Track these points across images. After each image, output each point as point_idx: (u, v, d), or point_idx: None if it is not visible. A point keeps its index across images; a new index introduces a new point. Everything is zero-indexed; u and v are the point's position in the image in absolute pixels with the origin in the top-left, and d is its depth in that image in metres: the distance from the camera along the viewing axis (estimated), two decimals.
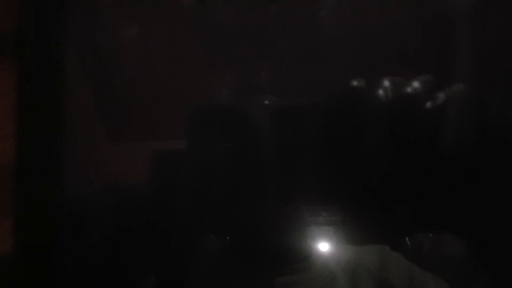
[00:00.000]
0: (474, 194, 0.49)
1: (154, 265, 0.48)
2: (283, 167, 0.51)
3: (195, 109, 0.49)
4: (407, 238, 0.48)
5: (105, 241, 0.49)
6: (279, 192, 0.51)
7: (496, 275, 0.50)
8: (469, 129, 0.47)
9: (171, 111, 0.50)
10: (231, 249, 0.50)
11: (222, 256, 0.50)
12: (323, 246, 0.53)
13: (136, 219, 0.49)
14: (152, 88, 0.51)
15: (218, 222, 0.50)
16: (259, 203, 0.51)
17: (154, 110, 0.51)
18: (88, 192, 0.49)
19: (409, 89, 0.51)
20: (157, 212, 0.49)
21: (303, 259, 0.53)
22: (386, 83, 0.50)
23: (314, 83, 0.50)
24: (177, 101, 0.51)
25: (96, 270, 0.48)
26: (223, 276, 0.49)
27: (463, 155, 0.49)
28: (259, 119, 0.50)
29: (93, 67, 0.52)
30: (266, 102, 0.50)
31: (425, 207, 0.49)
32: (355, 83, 0.48)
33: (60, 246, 0.48)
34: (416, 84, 0.50)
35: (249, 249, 0.51)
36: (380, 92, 0.49)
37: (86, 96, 0.52)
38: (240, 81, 0.51)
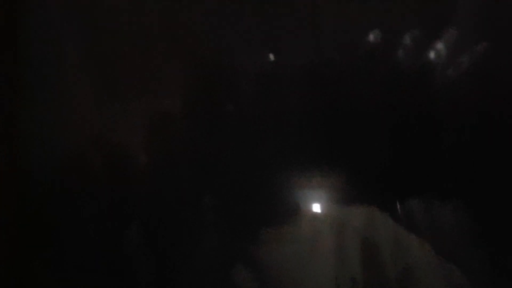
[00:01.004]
0: (466, 162, 0.48)
1: (142, 218, 0.49)
2: (278, 129, 0.50)
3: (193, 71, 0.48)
4: (397, 204, 0.48)
5: (96, 196, 0.49)
6: (274, 152, 0.50)
7: (487, 240, 0.49)
8: (462, 99, 0.45)
9: (166, 70, 0.49)
10: (223, 205, 0.51)
11: (215, 211, 0.51)
12: (312, 204, 0.53)
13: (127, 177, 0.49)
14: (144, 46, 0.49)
15: (211, 181, 0.50)
16: (252, 163, 0.50)
17: (148, 68, 0.49)
18: (79, 148, 0.49)
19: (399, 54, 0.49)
20: (149, 172, 0.48)
21: (291, 213, 0.53)
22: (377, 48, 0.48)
23: (310, 48, 0.49)
24: (173, 59, 0.49)
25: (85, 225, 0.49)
26: (215, 230, 0.50)
27: (456, 123, 0.47)
28: (256, 81, 0.49)
29: (84, 26, 0.50)
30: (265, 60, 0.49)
31: (418, 174, 0.48)
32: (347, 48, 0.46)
33: (52, 201, 0.48)
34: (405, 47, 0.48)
35: (240, 204, 0.51)
36: (371, 61, 0.47)
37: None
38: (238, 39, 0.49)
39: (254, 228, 0.47)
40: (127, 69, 0.53)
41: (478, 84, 0.52)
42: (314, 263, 0.51)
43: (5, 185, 0.54)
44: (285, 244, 0.49)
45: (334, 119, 0.46)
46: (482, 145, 0.46)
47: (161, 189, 0.49)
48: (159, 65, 0.53)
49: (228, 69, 0.47)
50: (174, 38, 0.49)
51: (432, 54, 0.52)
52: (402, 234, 0.49)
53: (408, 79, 0.49)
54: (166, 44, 0.50)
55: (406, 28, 0.52)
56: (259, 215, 0.48)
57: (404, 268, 0.52)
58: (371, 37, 0.50)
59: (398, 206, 0.50)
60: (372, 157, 0.48)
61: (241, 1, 0.49)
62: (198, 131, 0.47)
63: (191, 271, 0.48)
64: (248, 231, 0.48)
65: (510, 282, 0.50)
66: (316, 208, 0.52)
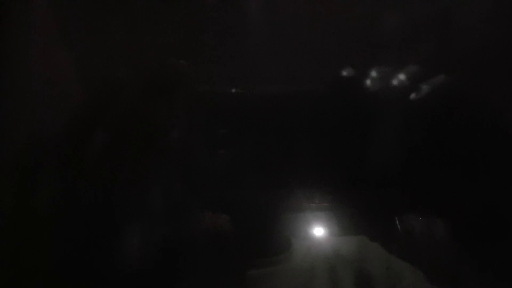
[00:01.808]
0: (464, 182, 0.49)
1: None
2: (265, 161, 0.51)
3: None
4: (397, 222, 0.49)
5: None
6: (262, 184, 0.51)
7: (480, 262, 0.50)
8: (459, 117, 0.46)
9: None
10: (207, 242, 0.52)
11: (198, 248, 0.52)
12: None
13: None
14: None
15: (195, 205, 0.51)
16: (242, 199, 0.51)
17: None
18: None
19: (399, 79, 0.49)
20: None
21: (281, 250, 0.54)
22: (375, 72, 0.49)
23: (306, 72, 0.49)
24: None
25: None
26: (198, 268, 0.51)
27: (454, 142, 0.48)
28: (253, 106, 0.50)
29: None
30: (260, 89, 0.50)
31: (417, 193, 0.49)
32: (346, 71, 0.47)
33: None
34: (404, 74, 0.49)
35: (228, 240, 0.52)
36: (371, 81, 0.47)
37: None
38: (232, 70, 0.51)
39: (246, 265, 0.47)
40: None
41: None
42: None
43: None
44: (278, 281, 0.49)
45: (319, 149, 0.45)
46: (483, 166, 0.45)
47: None
48: None
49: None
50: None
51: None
52: (394, 262, 0.49)
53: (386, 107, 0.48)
54: None
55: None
56: (250, 252, 0.48)
57: None
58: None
59: (399, 226, 0.49)
60: (362, 188, 0.47)
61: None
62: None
63: None
64: (240, 268, 0.48)
65: None
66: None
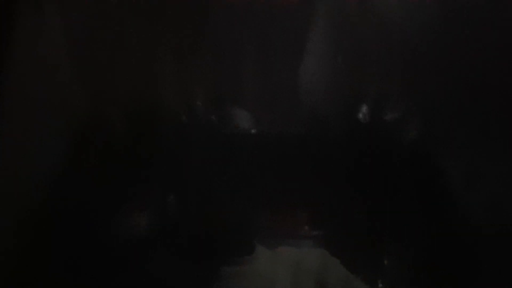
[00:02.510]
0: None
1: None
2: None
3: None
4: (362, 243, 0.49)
5: None
6: (231, 189, 0.52)
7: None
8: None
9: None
10: (175, 239, 0.53)
11: (165, 246, 0.53)
12: (269, 243, 0.55)
13: None
14: None
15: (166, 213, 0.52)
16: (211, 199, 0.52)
17: None
18: None
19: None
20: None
21: (245, 253, 0.55)
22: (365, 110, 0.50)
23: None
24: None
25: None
26: (164, 266, 0.52)
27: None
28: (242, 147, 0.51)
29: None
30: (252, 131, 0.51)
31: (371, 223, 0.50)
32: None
33: None
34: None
35: (195, 240, 0.53)
36: (363, 117, 0.48)
37: None
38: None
39: (213, 263, 0.48)
40: None
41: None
42: None
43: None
44: (242, 279, 0.50)
45: (296, 164, 0.45)
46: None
47: None
48: None
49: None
50: None
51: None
52: (352, 277, 0.49)
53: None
54: None
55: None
56: (217, 251, 0.48)
57: None
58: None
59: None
60: (329, 202, 0.47)
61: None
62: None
63: None
64: (206, 264, 0.49)
65: None
66: (272, 248, 0.53)
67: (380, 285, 0.53)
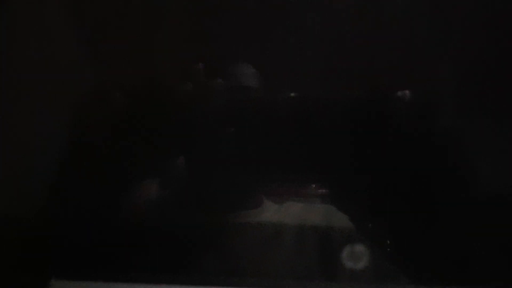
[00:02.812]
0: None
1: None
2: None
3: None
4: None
5: None
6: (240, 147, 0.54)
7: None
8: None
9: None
10: (186, 191, 0.55)
11: (178, 201, 0.55)
12: (275, 198, 0.57)
13: None
14: None
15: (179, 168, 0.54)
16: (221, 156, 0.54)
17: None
18: None
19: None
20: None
21: (254, 205, 0.57)
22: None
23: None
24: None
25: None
26: (178, 219, 0.54)
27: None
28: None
29: None
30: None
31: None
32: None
33: None
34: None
35: (206, 194, 0.55)
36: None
37: None
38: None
39: (223, 215, 0.49)
40: None
41: None
42: (275, 250, 0.54)
43: None
44: (248, 229, 0.52)
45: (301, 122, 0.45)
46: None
47: None
48: None
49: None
50: None
51: None
52: (356, 232, 0.51)
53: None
54: None
55: None
56: (225, 202, 0.50)
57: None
58: None
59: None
60: (335, 161, 0.48)
61: None
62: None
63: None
64: (217, 217, 0.50)
65: None
66: (279, 202, 0.54)
67: (387, 241, 0.54)
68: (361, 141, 0.51)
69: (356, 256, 0.54)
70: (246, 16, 0.52)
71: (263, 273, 0.53)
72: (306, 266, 0.56)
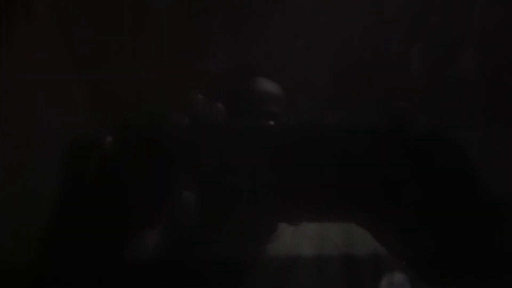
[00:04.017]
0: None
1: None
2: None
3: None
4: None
5: None
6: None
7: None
8: None
9: None
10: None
11: (189, 232, 0.52)
12: (290, 220, 0.54)
13: None
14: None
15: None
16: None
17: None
18: None
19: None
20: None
21: (269, 231, 0.54)
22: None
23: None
24: None
25: None
26: (192, 250, 0.51)
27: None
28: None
29: None
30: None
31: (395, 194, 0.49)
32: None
33: None
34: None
35: (218, 223, 0.52)
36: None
37: None
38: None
39: (236, 240, 0.47)
40: None
41: None
42: (295, 277, 0.51)
43: None
44: (264, 258, 0.49)
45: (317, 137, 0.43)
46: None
47: None
48: None
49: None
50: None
51: None
52: (382, 251, 0.48)
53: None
54: None
55: None
56: (240, 230, 0.47)
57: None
58: None
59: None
60: (352, 174, 0.45)
61: None
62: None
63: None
64: (229, 244, 0.47)
65: None
66: (295, 224, 0.51)
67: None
68: (379, 155, 0.48)
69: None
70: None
71: None
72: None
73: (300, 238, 0.53)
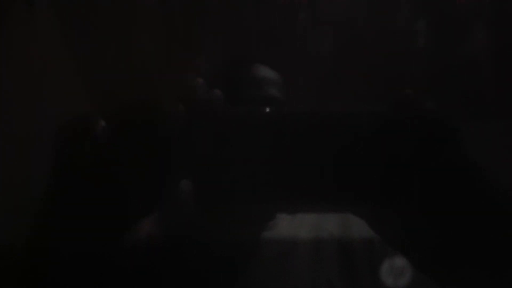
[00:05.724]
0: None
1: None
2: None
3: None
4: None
5: None
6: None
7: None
8: None
9: None
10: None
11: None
12: (288, 209, 0.54)
13: None
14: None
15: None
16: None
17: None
18: None
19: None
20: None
21: (267, 219, 0.54)
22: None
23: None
24: None
25: None
26: (192, 234, 0.51)
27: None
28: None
29: None
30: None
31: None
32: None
33: None
34: None
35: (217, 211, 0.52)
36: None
37: None
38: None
39: (234, 228, 0.47)
40: None
41: None
42: (292, 265, 0.52)
43: None
44: (263, 245, 0.49)
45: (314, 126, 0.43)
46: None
47: None
48: None
49: None
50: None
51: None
52: (378, 241, 0.48)
53: None
54: None
55: None
56: (238, 218, 0.48)
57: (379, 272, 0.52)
58: None
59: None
60: (349, 164, 0.45)
61: None
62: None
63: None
64: (227, 231, 0.48)
65: None
66: (293, 213, 0.52)
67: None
68: (378, 144, 0.48)
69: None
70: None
71: None
72: (325, 279, 0.54)
73: (297, 227, 0.54)
